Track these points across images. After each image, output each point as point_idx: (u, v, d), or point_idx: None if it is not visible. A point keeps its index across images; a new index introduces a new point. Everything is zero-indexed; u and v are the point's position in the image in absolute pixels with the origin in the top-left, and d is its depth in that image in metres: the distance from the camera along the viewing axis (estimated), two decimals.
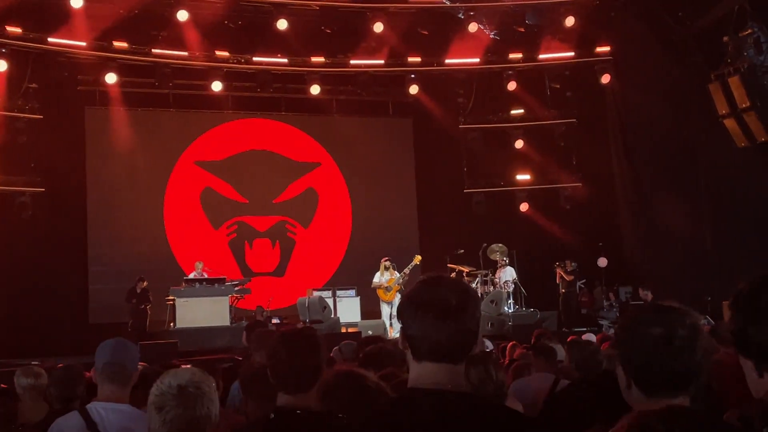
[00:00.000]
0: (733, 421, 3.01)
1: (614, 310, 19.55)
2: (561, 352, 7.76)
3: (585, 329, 17.70)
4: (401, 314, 2.43)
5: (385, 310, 18.45)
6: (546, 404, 5.86)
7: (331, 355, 7.36)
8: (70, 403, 5.54)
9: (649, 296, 18.10)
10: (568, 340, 8.01)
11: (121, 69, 19.74)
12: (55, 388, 5.60)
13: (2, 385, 6.89)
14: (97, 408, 3.99)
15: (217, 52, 20.46)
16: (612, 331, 17.09)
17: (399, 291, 18.21)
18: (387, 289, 18.39)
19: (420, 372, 2.37)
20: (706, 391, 3.98)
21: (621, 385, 2.48)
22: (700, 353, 2.39)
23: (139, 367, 4.40)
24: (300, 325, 15.10)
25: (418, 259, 18.70)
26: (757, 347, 2.35)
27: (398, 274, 18.47)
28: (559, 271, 20.34)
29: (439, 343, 2.34)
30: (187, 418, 3.05)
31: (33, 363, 9.35)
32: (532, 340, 9.32)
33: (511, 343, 9.49)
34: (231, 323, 17.79)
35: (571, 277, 20.23)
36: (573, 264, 20.28)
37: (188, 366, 3.44)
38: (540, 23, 21.25)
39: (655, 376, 2.39)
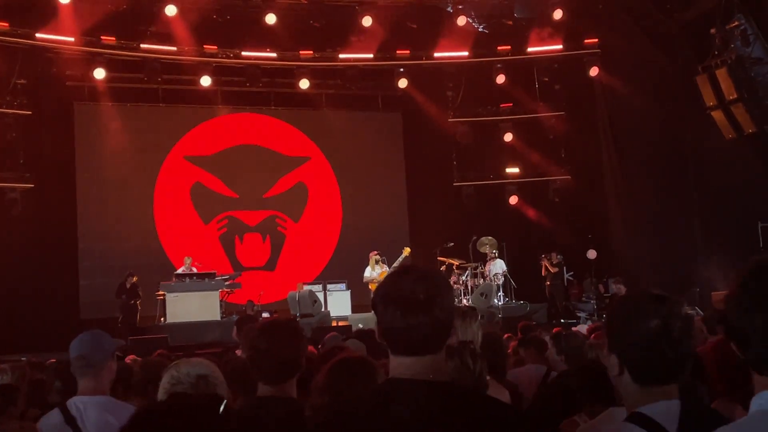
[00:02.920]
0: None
1: (591, 302, 19.71)
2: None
3: (575, 321, 17.84)
4: (374, 308, 2.42)
5: None
6: (537, 395, 5.91)
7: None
8: (71, 396, 5.57)
9: (623, 290, 18.18)
10: (553, 332, 8.06)
11: (110, 64, 19.70)
12: (59, 382, 5.60)
13: None
14: (75, 403, 4.01)
15: (206, 47, 20.42)
16: (589, 323, 17.22)
17: None
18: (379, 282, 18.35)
19: (398, 363, 2.38)
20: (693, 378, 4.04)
21: (611, 372, 2.50)
22: (692, 342, 2.45)
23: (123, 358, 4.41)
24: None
25: (407, 251, 18.68)
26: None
27: (388, 269, 18.42)
28: (544, 263, 20.46)
29: (410, 338, 2.34)
30: None
31: (22, 358, 9.39)
32: (518, 333, 9.37)
33: (505, 335, 9.52)
34: (221, 318, 17.82)
35: (557, 269, 20.35)
36: (558, 256, 20.40)
37: (199, 359, 3.48)
38: (528, 16, 21.28)
39: (651, 367, 2.42)
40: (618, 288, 18.23)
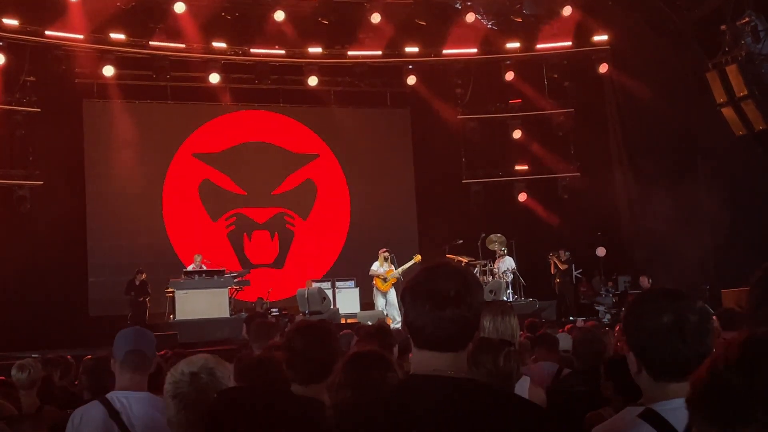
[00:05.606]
0: None
1: (610, 296, 19.65)
2: (564, 341, 7.79)
3: (584, 318, 17.80)
4: (403, 300, 2.44)
5: (380, 301, 18.41)
6: (549, 393, 5.87)
7: None
8: (100, 394, 5.56)
9: (649, 285, 18.14)
10: (566, 328, 8.03)
11: (119, 61, 19.72)
12: (86, 378, 5.60)
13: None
14: (118, 397, 3.98)
15: (215, 44, 20.43)
16: (608, 317, 17.16)
17: (394, 285, 18.15)
18: (384, 279, 18.35)
19: (420, 358, 2.39)
20: None
21: (632, 370, 2.51)
22: (711, 339, 2.42)
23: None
24: (304, 318, 15.18)
25: (417, 258, 18.56)
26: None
27: (396, 269, 18.35)
28: (553, 260, 20.40)
29: (436, 333, 2.34)
30: (202, 403, 3.11)
31: (33, 355, 9.40)
32: (524, 330, 9.33)
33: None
34: (230, 315, 17.82)
35: (566, 266, 20.30)
36: (566, 253, 20.36)
37: (203, 354, 3.49)
38: (537, 13, 21.24)
39: (666, 362, 2.42)
40: (646, 283, 18.21)
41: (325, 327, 3.70)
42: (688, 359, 2.39)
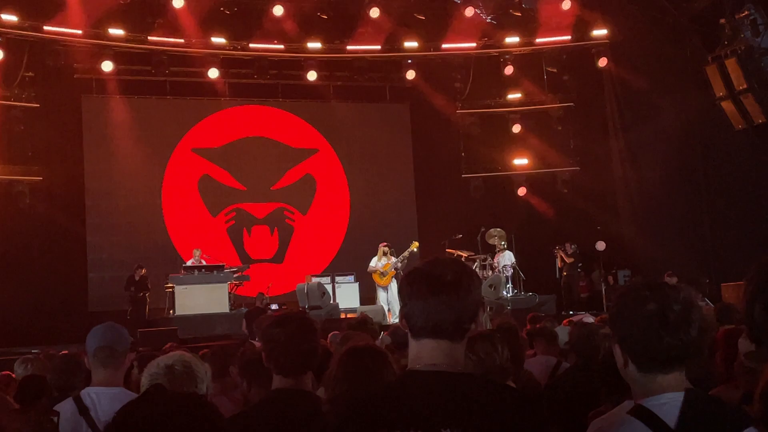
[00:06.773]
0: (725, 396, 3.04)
1: None
2: (563, 335, 7.77)
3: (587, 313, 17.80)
4: (400, 292, 2.45)
5: (382, 295, 18.44)
6: (548, 387, 5.87)
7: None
8: (68, 392, 5.56)
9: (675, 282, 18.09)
10: (564, 322, 8.01)
11: (118, 57, 19.70)
12: (53, 376, 5.62)
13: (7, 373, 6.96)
14: (89, 393, 4.01)
15: (214, 39, 20.38)
16: None
17: (395, 276, 18.17)
18: (382, 273, 18.35)
19: (418, 350, 2.38)
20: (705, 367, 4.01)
21: (618, 364, 2.48)
22: (696, 329, 2.39)
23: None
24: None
25: (415, 245, 18.60)
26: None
27: (395, 260, 18.40)
28: (560, 253, 20.36)
29: (432, 318, 2.34)
30: None
31: (33, 351, 9.42)
32: (527, 325, 9.34)
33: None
34: (230, 310, 17.83)
35: (572, 259, 20.26)
36: (573, 246, 20.31)
37: (181, 351, 3.50)
38: (536, 7, 21.22)
39: (650, 352, 2.39)
40: (671, 281, 18.17)
41: (305, 318, 3.69)
42: (671, 347, 2.37)
